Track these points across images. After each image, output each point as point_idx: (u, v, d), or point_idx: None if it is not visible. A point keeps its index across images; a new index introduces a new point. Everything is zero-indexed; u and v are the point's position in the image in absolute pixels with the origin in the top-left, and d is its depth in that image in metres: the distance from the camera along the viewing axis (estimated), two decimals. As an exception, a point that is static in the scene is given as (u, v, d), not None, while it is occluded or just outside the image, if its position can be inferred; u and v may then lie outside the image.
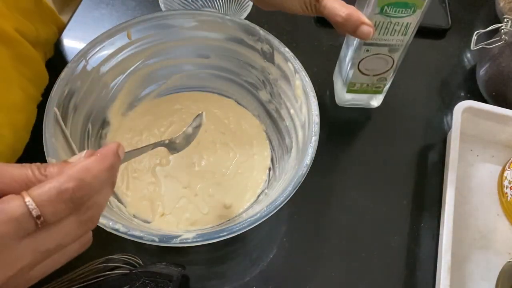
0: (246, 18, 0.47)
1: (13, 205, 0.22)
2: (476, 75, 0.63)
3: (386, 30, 0.47)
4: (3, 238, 0.22)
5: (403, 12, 0.45)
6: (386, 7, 0.44)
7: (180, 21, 0.46)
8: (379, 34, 0.48)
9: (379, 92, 0.57)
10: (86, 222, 0.26)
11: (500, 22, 0.57)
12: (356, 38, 0.48)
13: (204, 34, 0.49)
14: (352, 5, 0.42)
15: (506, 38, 0.56)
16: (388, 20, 0.46)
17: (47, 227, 0.23)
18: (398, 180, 0.56)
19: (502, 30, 0.56)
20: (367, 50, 0.50)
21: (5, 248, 0.22)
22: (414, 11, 0.45)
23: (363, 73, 0.53)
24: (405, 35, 0.48)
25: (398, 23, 0.46)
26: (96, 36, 0.44)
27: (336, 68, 0.60)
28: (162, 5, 0.59)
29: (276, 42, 0.46)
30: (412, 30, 0.47)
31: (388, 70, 0.53)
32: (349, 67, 0.54)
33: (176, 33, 0.48)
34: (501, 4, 0.68)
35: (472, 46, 0.58)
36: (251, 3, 0.62)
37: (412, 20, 0.46)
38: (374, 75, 0.54)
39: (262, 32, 0.46)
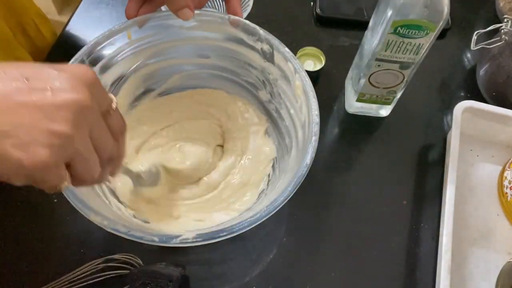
0: (246, 18, 0.47)
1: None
2: (476, 75, 0.63)
3: (398, 48, 0.47)
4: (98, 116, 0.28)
5: (416, 34, 0.45)
6: (399, 28, 0.45)
7: (180, 21, 0.46)
8: (391, 51, 0.48)
9: (388, 104, 0.58)
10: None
11: (500, 22, 0.57)
12: (370, 50, 0.49)
13: (204, 34, 0.49)
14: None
15: (506, 38, 0.56)
16: (400, 39, 0.46)
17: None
18: (398, 180, 0.56)
19: (502, 30, 0.56)
20: (378, 65, 0.50)
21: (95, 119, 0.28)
22: (427, 34, 0.45)
23: (373, 86, 0.54)
24: (417, 54, 0.48)
25: (411, 43, 0.46)
26: (96, 36, 0.44)
27: (349, 75, 0.60)
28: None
29: (276, 42, 0.46)
30: (424, 50, 0.48)
31: (398, 84, 0.53)
32: (360, 78, 0.54)
33: (176, 33, 0.48)
34: (501, 4, 0.68)
35: (472, 46, 0.58)
36: (251, 3, 0.62)
37: (424, 42, 0.46)
38: (384, 88, 0.54)
39: (262, 32, 0.46)
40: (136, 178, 0.46)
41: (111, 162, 0.32)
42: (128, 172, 0.45)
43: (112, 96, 0.31)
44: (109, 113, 0.30)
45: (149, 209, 0.48)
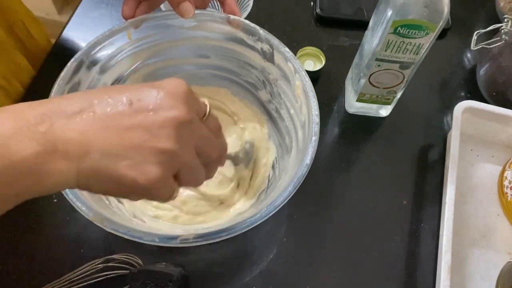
0: (246, 18, 0.47)
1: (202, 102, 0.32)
2: (476, 75, 0.63)
3: (398, 48, 0.47)
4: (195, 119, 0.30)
5: (416, 33, 0.45)
6: (399, 28, 0.45)
7: (180, 21, 0.46)
8: (391, 51, 0.48)
9: (388, 104, 0.58)
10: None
11: (500, 22, 0.57)
12: (370, 50, 0.49)
13: (204, 34, 0.49)
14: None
15: (506, 38, 0.56)
16: (400, 39, 0.46)
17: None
18: (398, 180, 0.56)
19: (502, 30, 0.56)
20: (378, 65, 0.50)
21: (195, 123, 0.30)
22: (427, 33, 0.45)
23: (373, 86, 0.54)
24: (417, 54, 0.48)
25: (411, 43, 0.46)
26: (96, 36, 0.44)
27: (349, 75, 0.60)
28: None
29: (276, 42, 0.46)
30: (424, 50, 0.48)
31: (398, 84, 0.53)
32: (360, 78, 0.54)
33: (176, 33, 0.48)
34: (501, 4, 0.68)
35: (472, 46, 0.58)
36: (251, 3, 0.62)
37: (424, 41, 0.46)
38: (384, 88, 0.54)
39: (262, 32, 0.46)
40: (234, 160, 0.48)
41: (221, 158, 0.35)
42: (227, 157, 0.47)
43: (205, 100, 0.33)
44: (206, 117, 0.32)
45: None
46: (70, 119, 0.26)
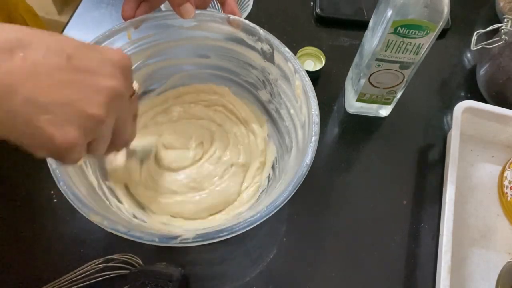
0: (246, 18, 0.47)
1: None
2: (476, 75, 0.63)
3: (399, 48, 0.47)
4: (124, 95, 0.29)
5: (416, 33, 0.45)
6: (399, 27, 0.45)
7: (180, 21, 0.46)
8: (391, 51, 0.48)
9: (388, 104, 0.58)
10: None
11: (500, 22, 0.57)
12: (370, 50, 0.49)
13: (204, 34, 0.49)
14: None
15: (506, 38, 0.56)
16: (400, 39, 0.46)
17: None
18: (398, 180, 0.56)
19: (502, 30, 0.56)
20: (378, 65, 0.50)
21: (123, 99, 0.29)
22: (427, 33, 0.45)
23: (373, 86, 0.54)
24: (417, 54, 0.48)
25: (411, 43, 0.46)
26: (96, 36, 0.44)
27: (349, 75, 0.60)
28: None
29: (276, 42, 0.46)
30: (424, 50, 0.48)
31: (398, 84, 0.53)
32: (360, 78, 0.54)
33: (176, 33, 0.48)
34: (501, 4, 0.68)
35: (472, 46, 0.58)
36: (251, 3, 0.62)
37: (424, 41, 0.46)
38: (384, 88, 0.54)
39: (262, 32, 0.46)
40: (131, 153, 0.48)
41: (127, 143, 0.34)
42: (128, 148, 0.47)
43: (135, 81, 0.32)
44: (131, 98, 0.32)
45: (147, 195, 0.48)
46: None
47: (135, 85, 0.32)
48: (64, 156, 0.27)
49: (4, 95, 0.24)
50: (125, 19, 0.45)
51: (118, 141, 0.32)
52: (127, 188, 0.49)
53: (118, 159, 0.48)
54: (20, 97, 0.24)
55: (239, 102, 0.55)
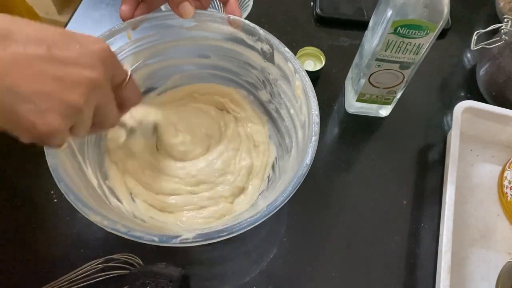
0: (246, 18, 0.47)
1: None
2: (476, 75, 0.63)
3: (398, 48, 0.47)
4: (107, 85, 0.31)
5: (416, 33, 0.45)
6: (399, 27, 0.45)
7: (180, 21, 0.46)
8: (391, 51, 0.48)
9: (388, 104, 0.58)
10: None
11: (500, 22, 0.57)
12: (370, 50, 0.49)
13: (204, 34, 0.49)
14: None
15: (506, 38, 0.56)
16: (400, 39, 0.46)
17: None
18: (398, 180, 0.56)
19: (502, 30, 0.56)
20: (378, 65, 0.50)
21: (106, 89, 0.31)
22: (427, 34, 0.45)
23: (373, 86, 0.54)
24: (416, 54, 0.48)
25: (411, 43, 0.46)
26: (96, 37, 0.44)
27: (349, 75, 0.60)
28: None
29: (276, 42, 0.46)
30: (424, 50, 0.48)
31: (398, 84, 0.53)
32: (360, 78, 0.54)
33: (176, 33, 0.48)
34: (501, 4, 0.68)
35: (472, 46, 0.58)
36: (251, 3, 0.62)
37: (424, 42, 0.46)
38: (384, 88, 0.54)
39: (262, 32, 0.46)
40: (130, 132, 0.48)
41: (108, 128, 0.36)
42: (123, 125, 0.47)
43: (127, 69, 0.33)
44: (121, 86, 0.33)
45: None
46: None
47: (127, 71, 0.33)
48: (47, 141, 0.29)
49: None
50: (123, 19, 0.45)
51: (101, 125, 0.33)
52: (127, 186, 0.49)
53: (118, 136, 0.49)
54: (3, 87, 0.25)
55: (241, 102, 0.55)
